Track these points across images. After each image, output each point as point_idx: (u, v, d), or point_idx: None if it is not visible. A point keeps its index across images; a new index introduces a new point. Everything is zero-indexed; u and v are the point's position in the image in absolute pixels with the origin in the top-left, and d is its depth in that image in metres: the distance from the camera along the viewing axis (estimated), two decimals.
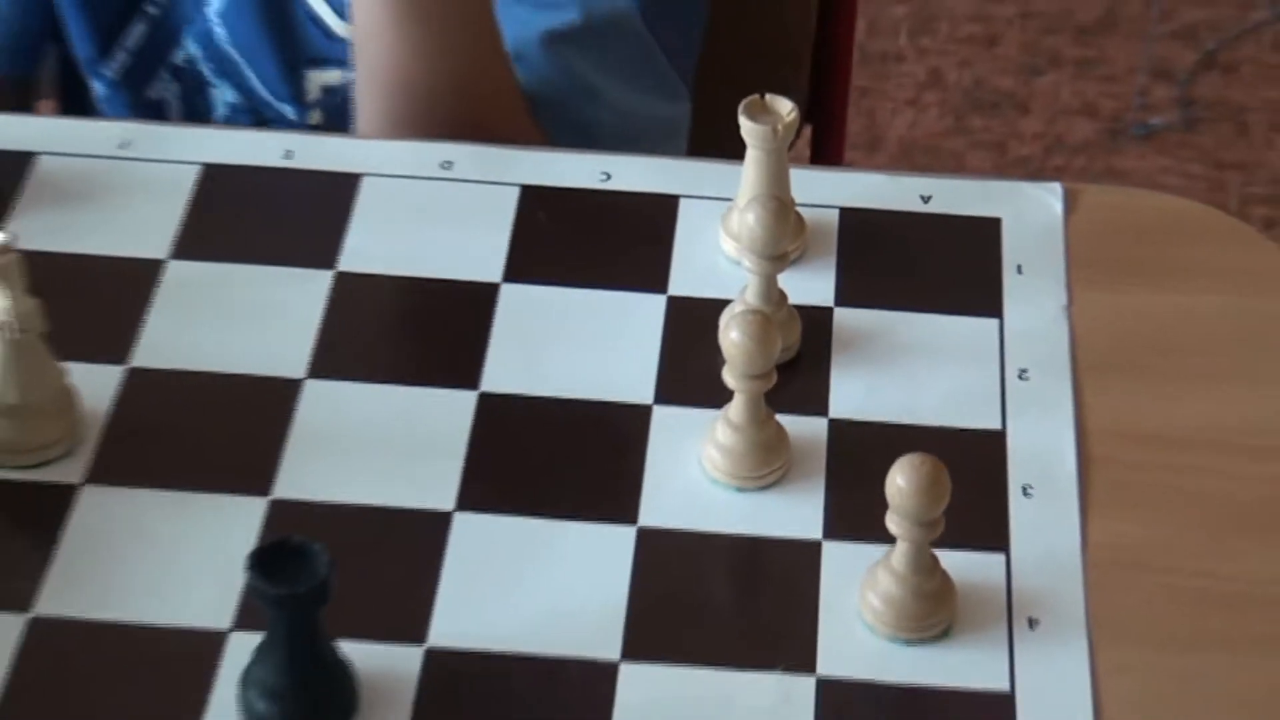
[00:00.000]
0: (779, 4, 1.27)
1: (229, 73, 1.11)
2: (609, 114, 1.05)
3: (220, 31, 1.09)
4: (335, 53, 1.08)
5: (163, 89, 1.12)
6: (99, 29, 1.11)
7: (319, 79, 1.09)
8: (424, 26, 0.96)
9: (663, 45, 1.06)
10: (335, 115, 1.08)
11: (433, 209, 0.93)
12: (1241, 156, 2.09)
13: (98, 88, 1.13)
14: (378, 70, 0.98)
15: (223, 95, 1.12)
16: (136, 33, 1.11)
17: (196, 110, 1.12)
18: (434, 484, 0.80)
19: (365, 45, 0.98)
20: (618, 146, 1.01)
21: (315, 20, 1.08)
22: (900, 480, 0.70)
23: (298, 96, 1.10)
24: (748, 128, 0.85)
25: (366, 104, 0.99)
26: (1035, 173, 2.00)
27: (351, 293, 0.88)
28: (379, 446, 0.82)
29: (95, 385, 0.83)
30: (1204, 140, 2.04)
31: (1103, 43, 2.17)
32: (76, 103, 1.17)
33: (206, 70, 1.11)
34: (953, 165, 2.06)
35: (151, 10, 1.10)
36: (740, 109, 0.85)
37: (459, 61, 0.98)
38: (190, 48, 1.11)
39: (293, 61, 1.08)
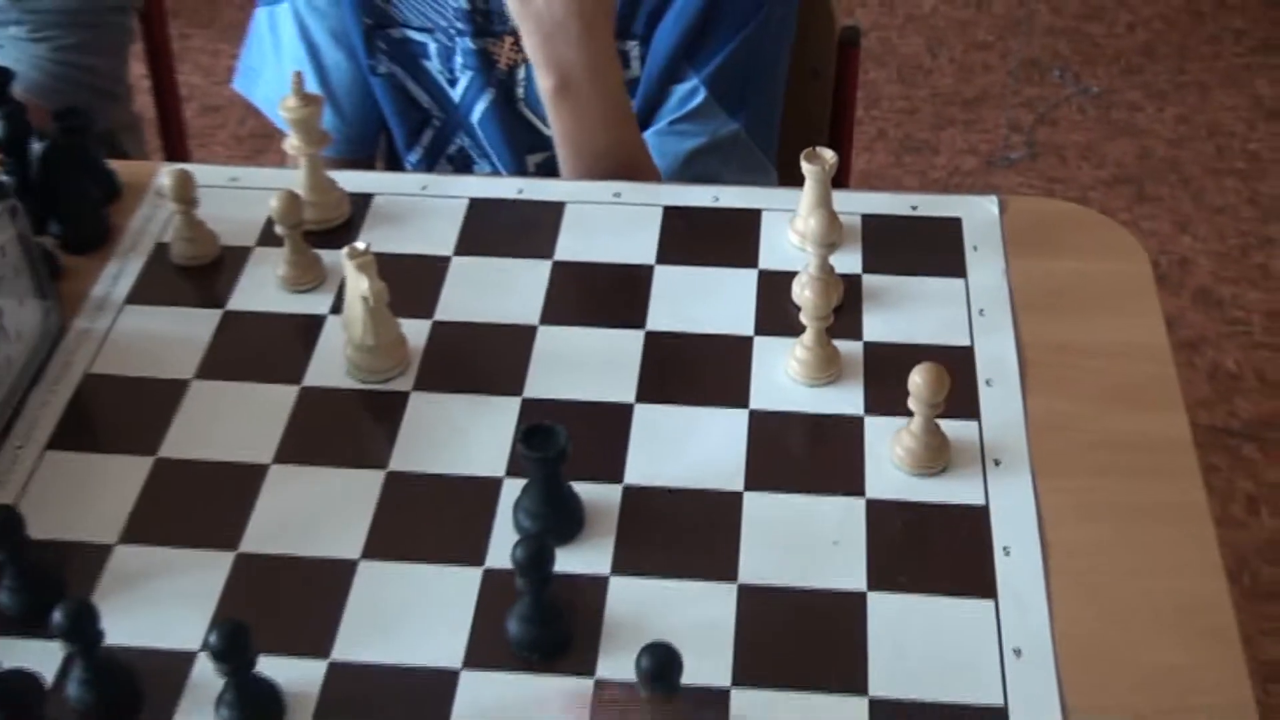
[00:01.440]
0: (813, 105, 1.50)
1: (484, 156, 1.35)
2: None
3: (479, 131, 1.33)
4: (543, 143, 1.31)
5: (444, 167, 1.37)
6: (407, 131, 1.36)
7: (534, 159, 1.34)
8: (591, 127, 1.19)
9: (758, 145, 1.29)
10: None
11: (609, 221, 1.16)
12: (1064, 175, 2.62)
13: (406, 165, 1.39)
14: (565, 141, 1.21)
15: (480, 169, 1.36)
16: (427, 135, 1.37)
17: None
18: (619, 385, 1.02)
19: (561, 143, 1.21)
20: None
21: (530, 124, 1.32)
22: (918, 377, 0.92)
23: (522, 169, 1.34)
24: (807, 167, 1.08)
25: (564, 165, 1.22)
26: (944, 190, 2.51)
27: (563, 273, 1.12)
28: (593, 370, 1.03)
29: (415, 332, 1.05)
30: (1041, 166, 2.55)
31: (980, 110, 2.72)
32: (396, 167, 1.42)
33: (472, 154, 1.35)
34: (894, 187, 2.55)
35: (436, 122, 1.35)
36: (802, 156, 1.08)
37: (613, 139, 1.20)
38: (461, 140, 1.35)
39: (518, 148, 1.33)
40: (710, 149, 1.27)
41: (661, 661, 0.78)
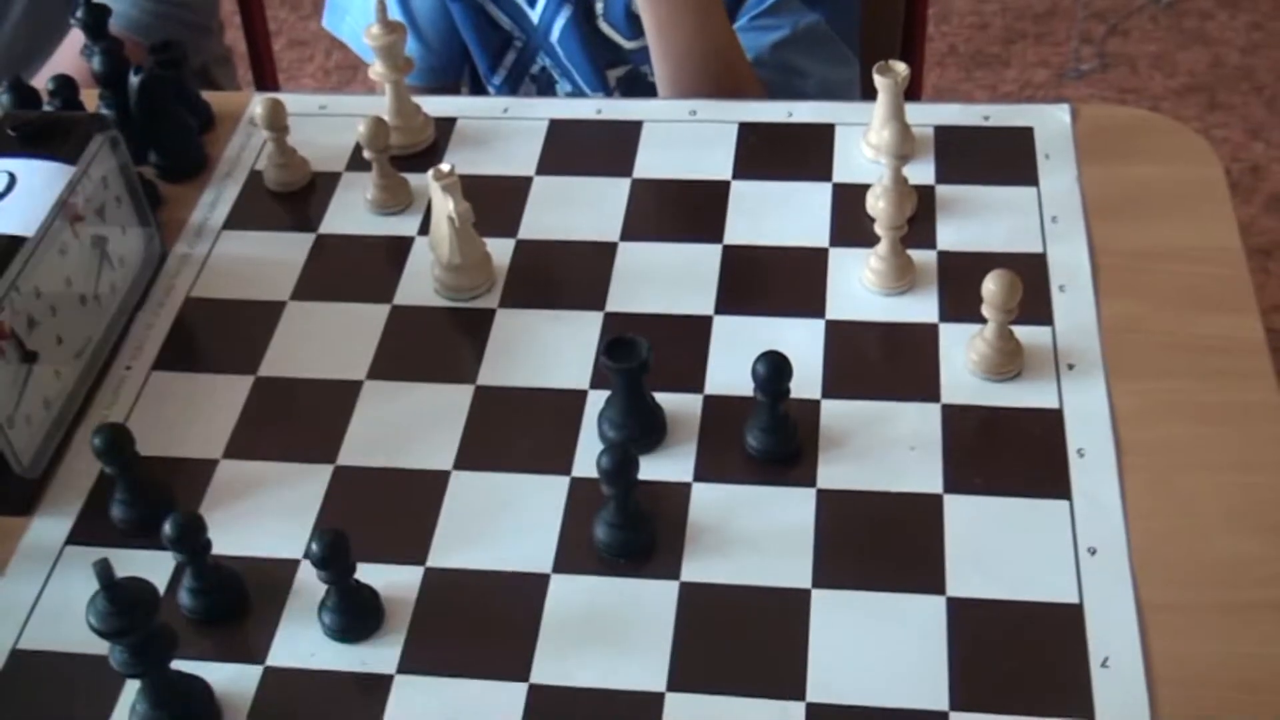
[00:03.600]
0: (885, 19, 1.47)
1: (565, 74, 1.35)
2: (812, 82, 1.26)
3: (559, 50, 1.33)
4: (622, 57, 1.32)
5: (528, 87, 1.38)
6: (489, 55, 1.36)
7: (614, 74, 1.34)
8: (681, 15, 1.18)
9: (840, 35, 1.28)
10: (626, 93, 1.33)
11: (686, 138, 1.16)
12: (1135, 85, 2.55)
13: (490, 89, 1.39)
14: (661, 48, 1.20)
15: (562, 88, 1.36)
16: (509, 57, 1.37)
17: (547, 96, 1.38)
18: (698, 297, 1.01)
19: (654, 34, 1.19)
20: (821, 99, 1.22)
21: (609, 39, 1.32)
22: (991, 284, 0.92)
23: (604, 84, 1.34)
24: (879, 80, 1.06)
25: (661, 73, 1.21)
26: (1017, 103, 2.42)
27: (642, 191, 1.12)
28: (672, 283, 1.03)
29: (500, 250, 1.06)
30: (1112, 78, 2.47)
31: (1050, 23, 2.65)
32: (481, 92, 1.42)
33: (555, 73, 1.35)
34: (965, 101, 2.42)
35: (518, 43, 1.35)
36: (875, 69, 1.07)
37: (707, 35, 1.19)
38: (543, 60, 1.35)
39: (599, 63, 1.33)
40: (792, 41, 1.26)
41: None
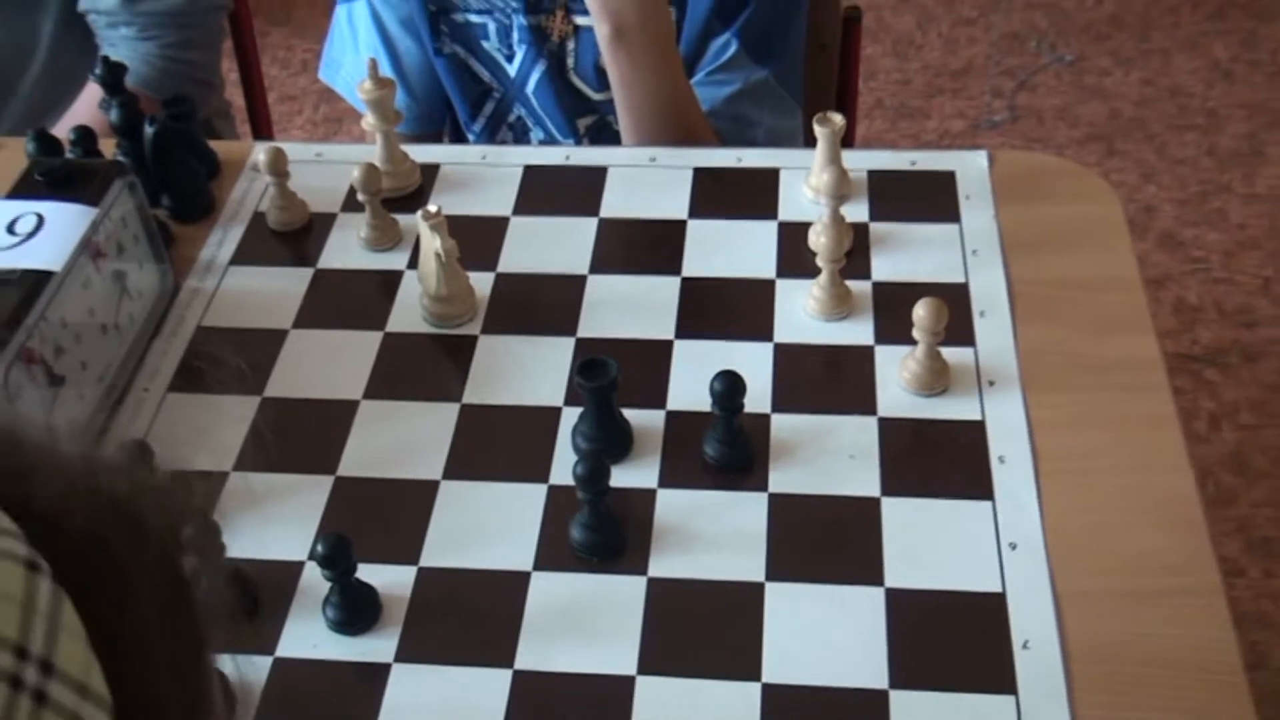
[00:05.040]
0: (821, 76, 1.46)
1: (539, 123, 1.35)
2: (761, 131, 1.27)
3: (534, 100, 1.33)
4: (591, 107, 1.32)
5: (504, 134, 1.38)
6: (470, 105, 1.36)
7: (584, 122, 1.34)
8: (643, 71, 1.18)
9: (786, 89, 1.29)
10: (595, 141, 1.33)
11: (647, 182, 1.16)
12: (1042, 135, 2.59)
13: (470, 136, 1.39)
14: (625, 101, 1.20)
15: (536, 135, 1.36)
16: (488, 107, 1.37)
17: (522, 143, 1.37)
18: (660, 324, 1.01)
19: (618, 88, 1.20)
20: (769, 146, 1.24)
21: (579, 91, 1.32)
22: (920, 310, 0.93)
23: (574, 132, 1.34)
24: (819, 129, 1.07)
25: (625, 123, 1.22)
26: (939, 150, 2.49)
27: (609, 229, 1.12)
28: (637, 311, 1.03)
29: (481, 283, 1.06)
30: (1021, 128, 2.52)
31: (965, 79, 2.69)
32: (460, 139, 1.42)
33: (529, 122, 1.35)
34: (892, 147, 2.50)
35: (496, 95, 1.35)
36: (815, 119, 1.07)
37: (666, 90, 1.19)
38: (518, 110, 1.35)
39: (569, 113, 1.33)
40: (744, 94, 1.27)
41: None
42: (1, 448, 0.39)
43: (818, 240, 1.02)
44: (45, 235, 0.94)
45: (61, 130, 1.18)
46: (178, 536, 0.41)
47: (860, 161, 1.17)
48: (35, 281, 0.91)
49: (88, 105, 1.44)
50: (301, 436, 0.96)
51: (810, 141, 1.12)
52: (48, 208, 0.96)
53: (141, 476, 0.41)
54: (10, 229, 0.94)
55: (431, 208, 1.00)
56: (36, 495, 0.37)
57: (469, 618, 0.85)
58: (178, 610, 0.41)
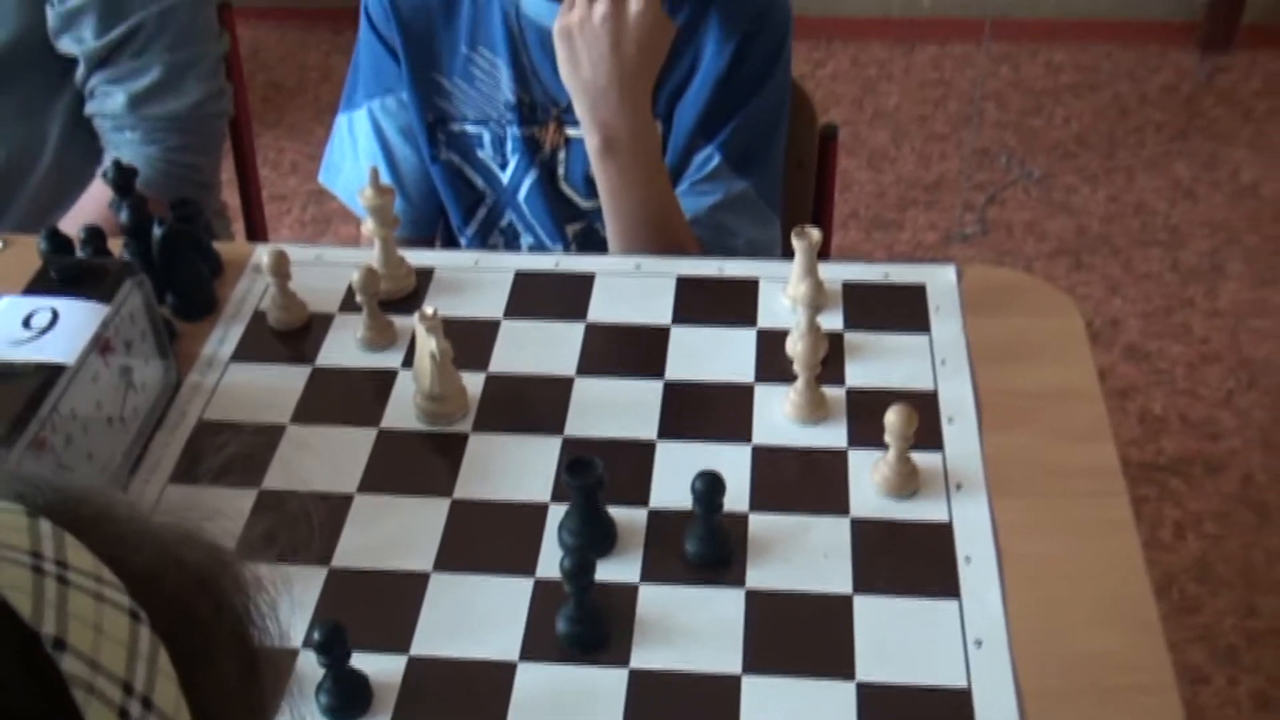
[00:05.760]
0: (799, 190, 1.51)
1: (529, 229, 1.39)
2: (742, 240, 1.31)
3: (525, 207, 1.37)
4: (580, 214, 1.37)
5: (496, 239, 1.42)
6: (463, 210, 1.40)
7: (572, 228, 1.38)
8: (631, 182, 1.23)
9: (765, 200, 1.33)
10: (583, 247, 1.37)
11: (632, 289, 1.20)
12: (1011, 248, 2.65)
13: (462, 240, 1.43)
14: (613, 209, 1.25)
15: (526, 240, 1.40)
16: (481, 212, 1.41)
17: (513, 248, 1.41)
18: (643, 425, 1.04)
19: (606, 197, 1.24)
20: (750, 257, 1.27)
21: (569, 199, 1.37)
22: (892, 416, 0.96)
23: (563, 238, 1.38)
24: (797, 242, 1.12)
25: (612, 231, 1.26)
26: (909, 262, 2.49)
27: (595, 334, 1.15)
28: (622, 412, 1.05)
29: (473, 383, 1.08)
30: (992, 240, 2.58)
31: (938, 192, 2.75)
32: (452, 244, 1.45)
33: (519, 227, 1.40)
34: (866, 259, 2.54)
35: (488, 201, 1.40)
36: (793, 233, 1.12)
37: (653, 200, 1.24)
38: (510, 216, 1.39)
39: (559, 219, 1.37)
40: (725, 204, 1.32)
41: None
42: (102, 517, 0.43)
43: (795, 348, 1.05)
44: (59, 330, 0.98)
45: (66, 226, 1.22)
46: (250, 613, 0.46)
47: (836, 273, 1.20)
48: (49, 375, 0.94)
49: (92, 203, 1.49)
50: (297, 528, 0.96)
51: (788, 252, 1.15)
52: (62, 304, 1.00)
53: (224, 556, 0.46)
54: (26, 323, 0.98)
55: (428, 310, 1.03)
56: (132, 560, 0.42)
57: (458, 706, 0.87)
58: (249, 677, 0.46)
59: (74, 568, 0.41)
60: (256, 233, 1.87)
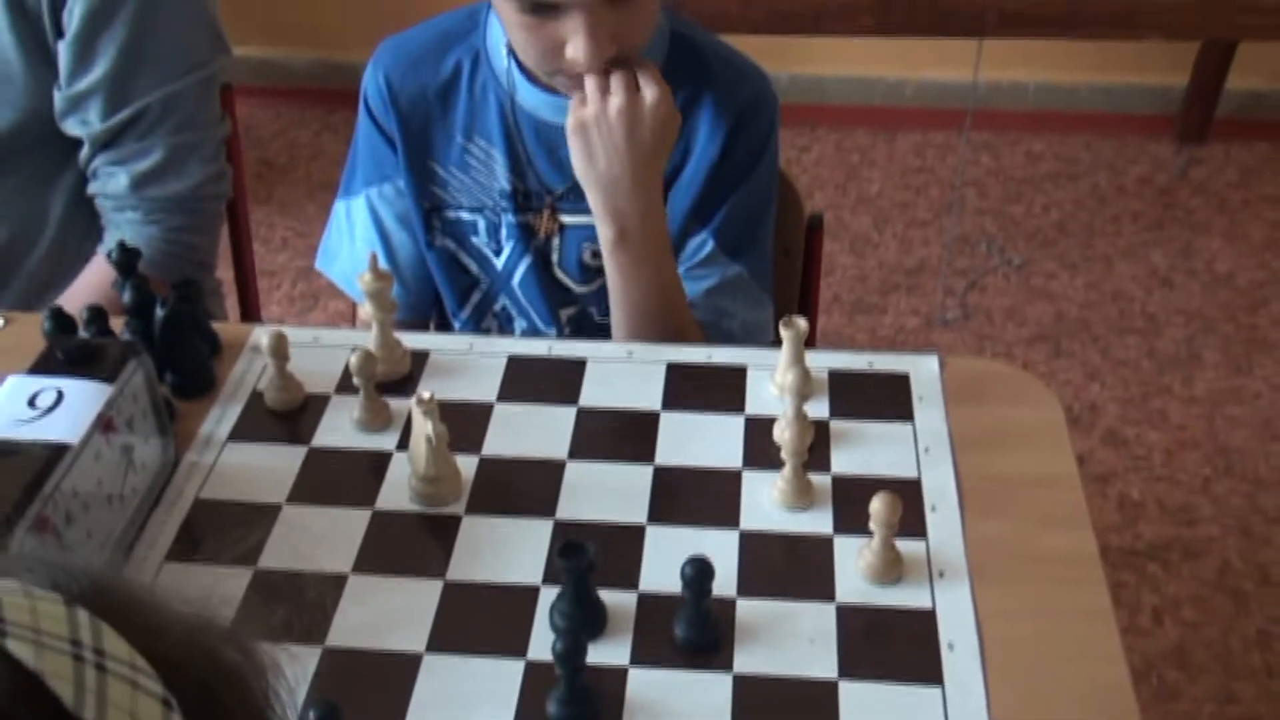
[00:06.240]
0: (786, 277, 1.52)
1: (523, 313, 1.41)
2: (736, 322, 1.35)
3: (519, 292, 1.40)
4: (573, 299, 1.39)
5: (489, 322, 1.44)
6: (457, 295, 1.43)
7: (565, 313, 1.41)
8: (641, 270, 1.25)
9: (758, 283, 1.36)
10: (576, 331, 1.39)
11: (623, 375, 1.22)
12: (991, 333, 2.67)
13: (456, 324, 1.45)
14: (620, 296, 1.27)
15: (519, 324, 1.42)
16: (475, 297, 1.43)
17: (506, 332, 1.43)
18: (633, 509, 1.05)
19: (614, 284, 1.27)
20: (744, 337, 1.33)
21: (562, 284, 1.39)
22: (877, 503, 0.97)
23: (556, 322, 1.40)
24: (784, 332, 1.14)
25: (617, 317, 1.28)
26: (891, 345, 2.61)
27: (587, 418, 1.17)
28: (612, 497, 1.06)
29: (466, 465, 1.10)
30: (973, 326, 2.61)
31: (919, 277, 2.77)
32: (447, 328, 1.47)
33: (513, 311, 1.42)
34: (849, 343, 2.62)
35: (483, 286, 1.42)
36: (780, 322, 1.15)
37: (660, 287, 1.26)
38: (503, 301, 1.41)
39: (553, 304, 1.39)
40: (720, 287, 1.34)
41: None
42: (130, 605, 0.45)
43: (782, 435, 1.06)
44: (63, 410, 1.00)
45: (65, 304, 1.23)
46: (269, 699, 0.48)
47: (822, 360, 1.23)
48: (54, 454, 0.96)
49: (91, 280, 1.51)
50: (292, 607, 0.99)
51: (779, 334, 1.17)
52: (67, 384, 1.02)
53: (245, 644, 0.48)
54: (32, 403, 1.00)
55: (425, 394, 1.05)
56: (161, 647, 0.44)
57: None
58: None
59: (110, 655, 0.43)
60: (250, 312, 1.89)
